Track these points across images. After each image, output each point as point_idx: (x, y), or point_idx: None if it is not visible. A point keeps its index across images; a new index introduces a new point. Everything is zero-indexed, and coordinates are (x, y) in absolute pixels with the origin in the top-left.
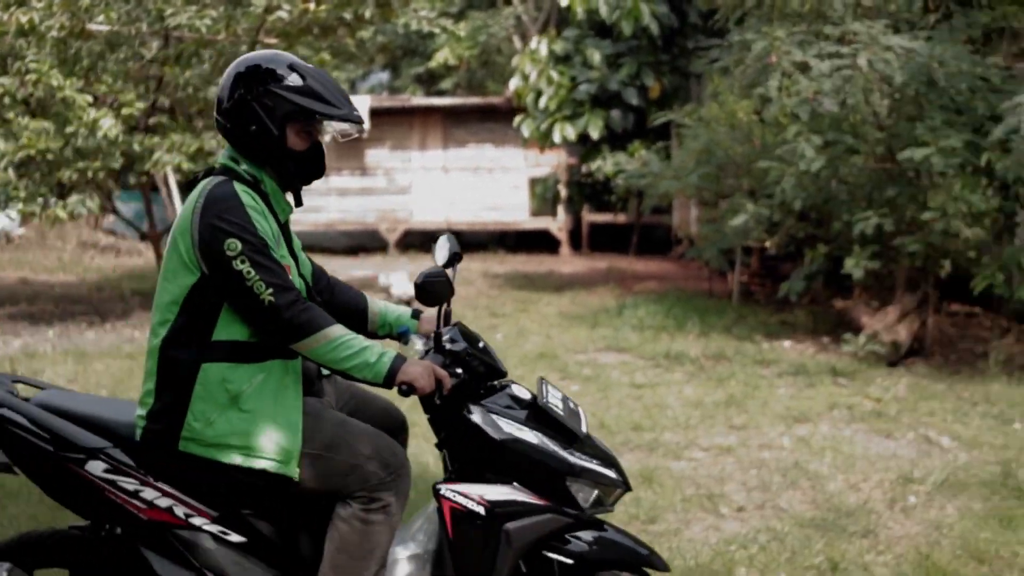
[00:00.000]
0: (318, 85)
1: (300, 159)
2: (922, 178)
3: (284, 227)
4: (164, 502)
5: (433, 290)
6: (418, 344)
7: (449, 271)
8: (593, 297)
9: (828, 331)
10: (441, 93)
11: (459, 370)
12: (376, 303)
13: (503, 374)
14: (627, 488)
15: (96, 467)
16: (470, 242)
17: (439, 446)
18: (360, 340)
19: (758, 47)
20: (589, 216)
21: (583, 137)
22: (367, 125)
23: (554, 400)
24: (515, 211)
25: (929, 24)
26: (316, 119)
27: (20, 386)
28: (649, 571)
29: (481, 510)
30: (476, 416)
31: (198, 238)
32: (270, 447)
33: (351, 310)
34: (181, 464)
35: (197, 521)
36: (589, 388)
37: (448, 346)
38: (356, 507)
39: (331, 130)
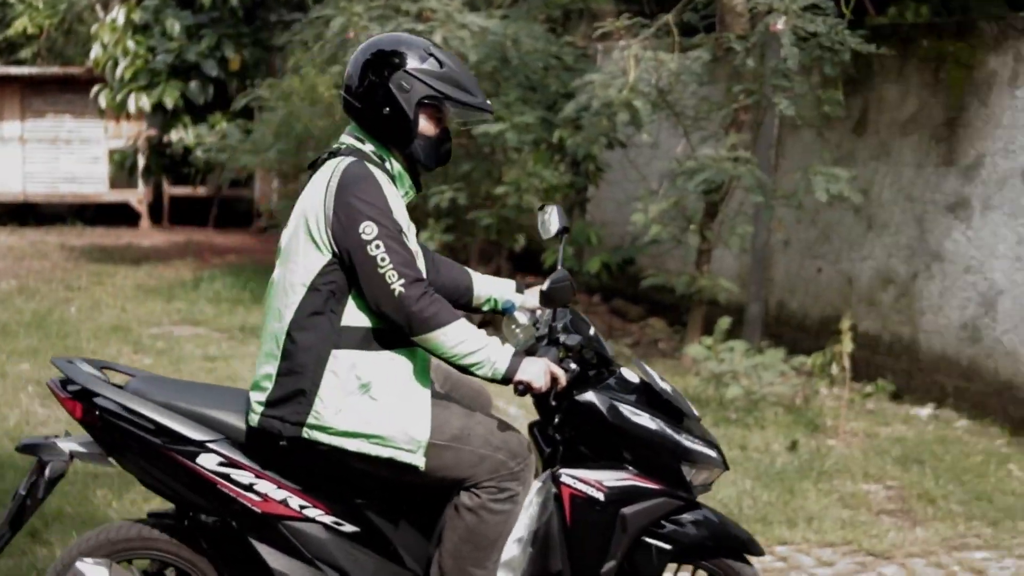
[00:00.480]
0: (455, 72)
1: (429, 143)
2: (497, 153)
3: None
4: (279, 494)
5: (557, 296)
6: (523, 318)
7: (559, 246)
8: (170, 270)
9: None
10: (20, 63)
11: (573, 364)
12: (479, 278)
13: (613, 363)
14: (726, 468)
15: (209, 460)
16: (47, 215)
17: (533, 427)
18: (480, 337)
19: (337, 23)
20: (170, 189)
21: (161, 108)
22: None
23: (660, 381)
24: (94, 183)
25: (506, 3)
26: (451, 105)
27: (109, 372)
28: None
29: (600, 496)
30: (591, 400)
31: (332, 218)
32: (399, 436)
33: (456, 286)
34: (297, 452)
35: (312, 512)
36: (162, 361)
37: (562, 338)
38: (485, 497)
39: (457, 116)
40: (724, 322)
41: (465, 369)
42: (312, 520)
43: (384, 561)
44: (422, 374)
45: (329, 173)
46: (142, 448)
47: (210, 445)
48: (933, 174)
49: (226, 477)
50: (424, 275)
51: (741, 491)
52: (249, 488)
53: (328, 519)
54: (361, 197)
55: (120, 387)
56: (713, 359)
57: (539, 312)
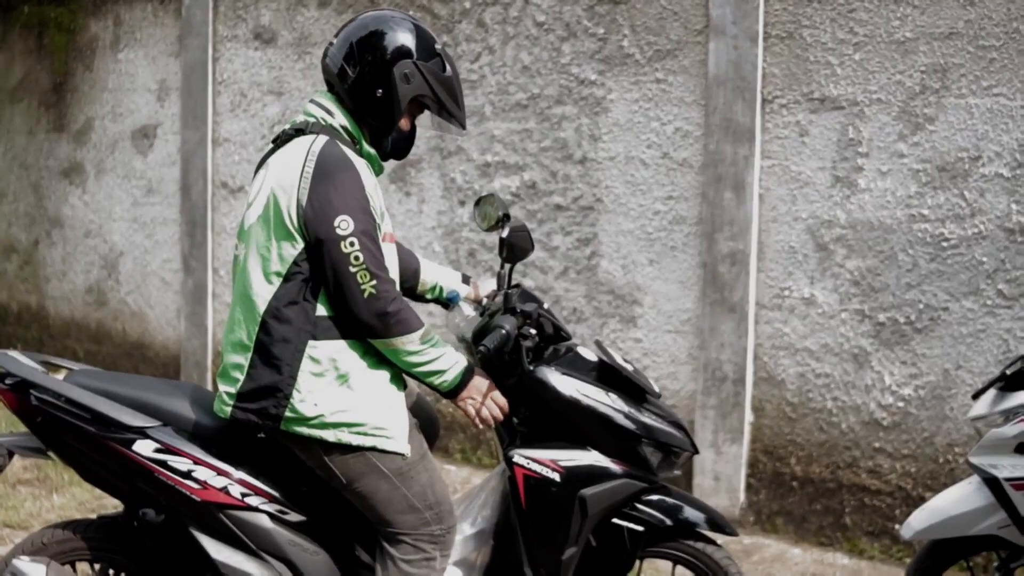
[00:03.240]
0: (454, 79)
1: (400, 137)
2: None
3: None
4: (219, 481)
5: (518, 243)
6: (468, 310)
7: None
8: None
9: None
10: None
11: (532, 331)
12: (428, 264)
13: (569, 336)
14: (695, 451)
15: (145, 447)
16: None
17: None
18: (439, 347)
19: None
20: None
21: None
22: None
23: (620, 360)
24: None
25: None
26: (439, 112)
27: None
28: (715, 535)
29: (556, 476)
30: (548, 376)
31: (307, 206)
32: (379, 423)
33: (404, 271)
34: (273, 447)
35: (254, 501)
36: None
37: (520, 306)
38: (397, 554)
39: (433, 123)
40: None
41: (415, 375)
42: (255, 509)
43: (335, 555)
44: (398, 374)
45: (303, 154)
46: (79, 438)
47: (147, 431)
48: (45, 140)
49: (163, 464)
50: (392, 277)
51: None
52: (187, 475)
53: (272, 507)
54: (339, 188)
55: (58, 379)
56: None
57: (485, 302)
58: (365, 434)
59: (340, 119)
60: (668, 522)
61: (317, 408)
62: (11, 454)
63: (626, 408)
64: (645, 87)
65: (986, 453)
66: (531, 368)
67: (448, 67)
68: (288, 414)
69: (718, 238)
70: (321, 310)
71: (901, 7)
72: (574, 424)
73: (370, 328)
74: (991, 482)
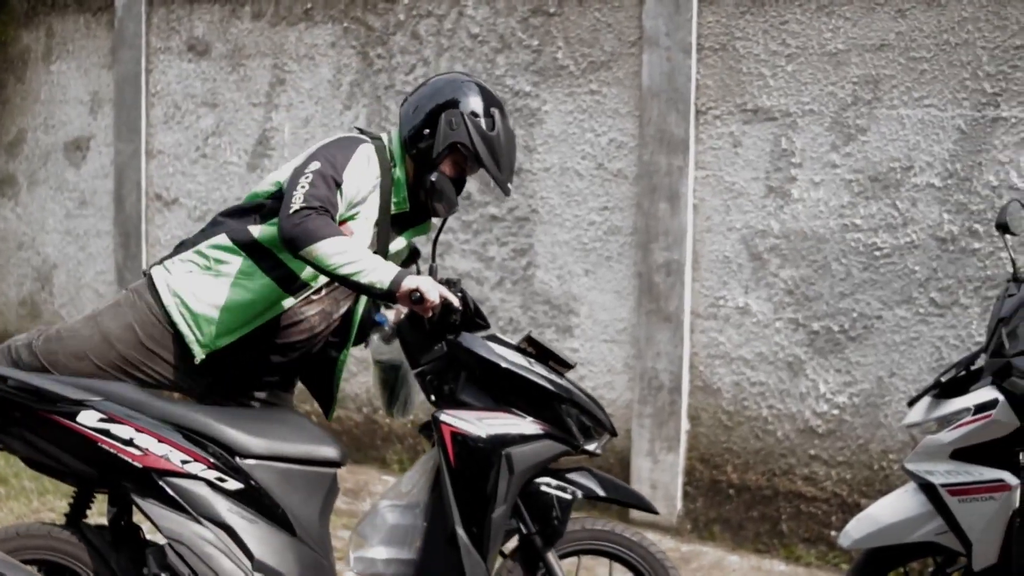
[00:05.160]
0: (498, 141)
1: (441, 178)
2: None
3: (397, 219)
4: (160, 448)
5: (446, 190)
6: (388, 332)
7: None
8: None
9: None
10: None
11: (460, 293)
12: None
13: (488, 325)
14: (613, 433)
15: (88, 418)
16: None
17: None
18: (363, 251)
19: None
20: None
21: None
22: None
23: (541, 340)
24: None
25: None
26: (475, 163)
27: None
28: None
29: (482, 433)
30: (472, 343)
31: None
32: (200, 319)
33: None
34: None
35: (194, 468)
36: None
37: (446, 279)
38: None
39: (480, 179)
40: None
41: (349, 281)
42: (194, 476)
43: (273, 526)
44: (260, 328)
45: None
46: (25, 418)
47: (90, 403)
48: None
49: (105, 433)
50: (332, 207)
51: None
52: (129, 443)
53: (211, 475)
54: (332, 150)
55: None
56: None
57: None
58: (184, 319)
59: (393, 144)
60: (598, 492)
61: (183, 277)
62: None
63: (546, 373)
64: (579, 98)
65: (922, 460)
66: (454, 337)
67: (496, 127)
68: (167, 264)
69: (653, 248)
70: (256, 232)
71: (833, 19)
72: (498, 388)
73: (289, 241)
74: (927, 488)
